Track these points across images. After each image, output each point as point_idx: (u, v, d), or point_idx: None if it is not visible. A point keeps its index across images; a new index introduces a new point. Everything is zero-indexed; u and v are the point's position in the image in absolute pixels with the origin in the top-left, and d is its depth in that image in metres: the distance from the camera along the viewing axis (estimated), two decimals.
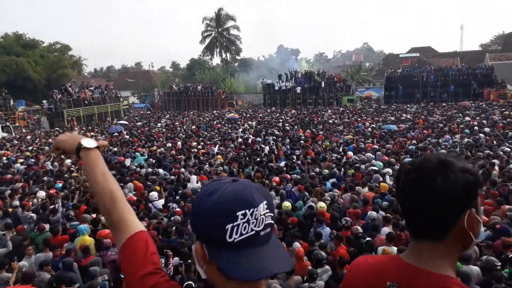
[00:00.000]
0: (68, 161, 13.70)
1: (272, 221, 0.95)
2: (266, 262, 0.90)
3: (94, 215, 7.65)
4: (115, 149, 15.82)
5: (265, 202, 0.93)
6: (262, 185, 0.95)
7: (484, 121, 18.14)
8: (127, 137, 20.04)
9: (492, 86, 31.25)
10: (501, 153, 11.44)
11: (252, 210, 0.89)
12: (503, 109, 22.00)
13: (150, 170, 11.81)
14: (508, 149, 11.81)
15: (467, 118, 19.32)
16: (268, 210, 0.93)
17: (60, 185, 10.49)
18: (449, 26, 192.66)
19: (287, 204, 7.72)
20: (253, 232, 0.89)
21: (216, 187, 0.93)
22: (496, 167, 9.89)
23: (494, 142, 13.61)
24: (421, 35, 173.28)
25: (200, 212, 0.92)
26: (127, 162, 13.51)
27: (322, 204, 7.63)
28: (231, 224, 0.87)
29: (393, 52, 70.88)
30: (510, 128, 16.01)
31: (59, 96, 29.63)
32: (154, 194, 8.72)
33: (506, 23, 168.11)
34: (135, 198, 8.97)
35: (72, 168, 12.74)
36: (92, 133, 22.61)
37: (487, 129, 15.87)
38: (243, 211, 0.88)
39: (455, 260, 1.14)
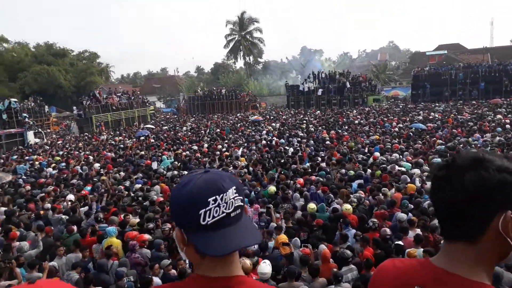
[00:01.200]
0: (96, 165, 14.08)
1: (242, 203, 1.08)
2: (234, 239, 1.03)
3: (122, 217, 7.81)
4: (142, 152, 16.15)
5: (234, 187, 1.07)
6: (231, 174, 1.17)
7: None
8: (153, 140, 20.43)
9: None
10: None
11: (222, 195, 1.03)
12: None
13: (175, 172, 11.95)
14: None
15: (499, 116, 18.60)
16: (237, 194, 1.07)
17: (89, 188, 10.80)
18: (478, 22, 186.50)
19: (312, 206, 7.63)
20: (224, 214, 1.03)
21: (189, 179, 1.07)
22: None
23: None
24: (449, 31, 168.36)
25: (176, 202, 1.05)
26: (154, 165, 13.76)
27: (347, 206, 7.50)
28: (204, 209, 1.00)
29: (419, 50, 69.34)
30: None
31: (88, 102, 30.55)
32: None
33: None
34: (162, 199, 9.10)
35: (101, 172, 13.07)
36: (120, 137, 23.17)
37: None
38: (214, 197, 1.02)
39: (491, 267, 1.05)
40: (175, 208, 1.07)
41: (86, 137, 24.75)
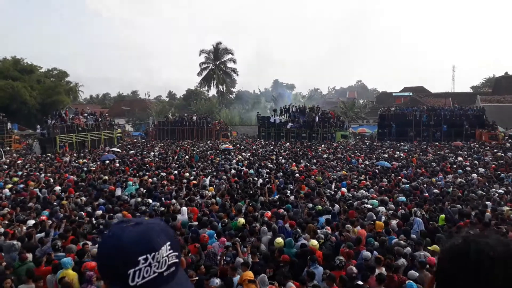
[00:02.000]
0: (57, 188, 13.44)
1: (177, 260, 1.01)
2: None
3: (81, 245, 7.39)
4: (106, 177, 15.59)
5: (168, 243, 0.99)
6: (166, 225, 0.99)
7: (476, 162, 18.25)
8: (118, 165, 19.84)
9: (484, 128, 31.71)
10: (496, 194, 11.42)
11: (153, 254, 0.94)
12: (495, 150, 22.21)
13: (139, 200, 11.57)
14: (502, 191, 11.79)
15: (460, 158, 19.43)
16: (171, 251, 0.99)
17: (47, 212, 10.22)
18: (441, 67, 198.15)
19: (279, 240, 7.53)
20: (156, 274, 0.94)
21: (119, 231, 0.96)
22: (489, 209, 9.84)
23: (486, 183, 13.66)
24: (414, 75, 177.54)
25: (103, 256, 0.97)
26: (118, 191, 13.29)
27: (314, 242, 7.45)
28: (133, 269, 0.91)
29: (386, 91, 72.49)
30: (502, 169, 16.10)
31: (53, 122, 29.51)
32: None
33: (497, 66, 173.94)
34: None
35: (62, 196, 12.45)
36: (84, 160, 22.37)
37: (481, 169, 15.92)
38: (144, 256, 0.93)
39: None
40: (101, 262, 0.98)
41: (48, 158, 23.71)
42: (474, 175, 14.78)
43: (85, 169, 18.66)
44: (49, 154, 25.51)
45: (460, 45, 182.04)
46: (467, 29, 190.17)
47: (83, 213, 10.02)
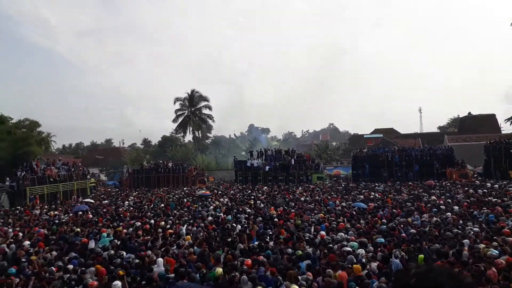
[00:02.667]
0: (26, 243, 12.79)
1: None
2: None
3: None
4: (78, 229, 14.99)
5: None
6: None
7: (450, 200, 18.69)
8: (91, 216, 19.18)
9: (453, 166, 32.84)
10: (472, 232, 11.64)
11: None
12: (466, 188, 22.89)
13: (112, 252, 11.13)
14: (477, 229, 12.03)
15: (433, 197, 19.87)
16: None
17: (14, 270, 9.64)
18: (409, 109, 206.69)
19: None
20: None
21: None
22: (466, 247, 10.00)
23: (461, 221, 13.96)
24: (384, 117, 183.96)
25: None
26: (91, 244, 12.77)
27: None
28: None
29: (357, 133, 74.62)
30: (474, 207, 16.52)
31: (23, 173, 28.55)
32: (117, 284, 8.02)
33: (461, 107, 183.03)
34: (96, 283, 8.31)
35: (31, 251, 11.83)
36: (55, 212, 21.53)
37: (455, 208, 16.27)
38: None
39: None
40: None
41: (17, 211, 22.69)
42: (449, 213, 15.08)
43: (57, 221, 17.92)
44: (18, 207, 24.43)
45: (425, 87, 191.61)
46: (432, 71, 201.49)
47: (54, 268, 9.52)
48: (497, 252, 9.31)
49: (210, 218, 16.72)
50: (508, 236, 10.83)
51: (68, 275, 9.06)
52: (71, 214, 20.31)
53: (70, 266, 9.79)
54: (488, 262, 8.66)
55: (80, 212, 20.12)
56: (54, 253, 11.66)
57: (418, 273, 1.12)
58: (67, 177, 32.42)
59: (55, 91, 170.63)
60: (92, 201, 26.76)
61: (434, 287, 1.06)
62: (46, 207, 24.83)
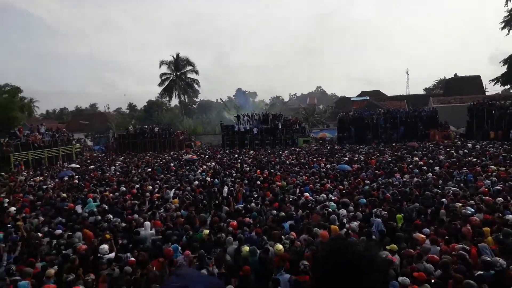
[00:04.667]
0: (12, 209, 12.79)
1: None
2: None
3: (39, 268, 7.10)
4: (64, 194, 15.01)
5: None
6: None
7: (431, 161, 19.13)
8: (77, 181, 19.17)
9: (437, 128, 33.38)
10: (450, 191, 12.02)
11: None
12: (448, 149, 23.39)
13: (99, 218, 11.24)
14: (455, 189, 12.41)
15: (416, 158, 20.29)
16: None
17: (1, 235, 9.72)
18: (396, 71, 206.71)
19: (246, 248, 7.61)
20: None
21: None
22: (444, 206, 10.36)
23: (441, 181, 14.38)
24: (371, 79, 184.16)
25: None
26: (78, 208, 12.84)
27: (279, 247, 7.56)
28: None
29: (345, 95, 74.67)
30: (455, 167, 16.98)
31: (6, 140, 28.09)
32: (104, 248, 8.16)
33: (447, 68, 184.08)
34: (85, 246, 8.45)
35: (17, 217, 11.87)
36: (40, 178, 21.44)
37: (436, 168, 16.69)
38: None
39: None
40: None
41: (1, 178, 22.51)
42: (430, 174, 15.50)
43: (44, 187, 17.87)
44: (3, 174, 24.22)
45: (413, 48, 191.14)
46: (419, 32, 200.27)
47: (40, 234, 9.61)
48: (473, 210, 9.70)
49: (197, 182, 16.88)
50: (485, 195, 11.24)
51: (55, 240, 9.16)
52: (56, 180, 20.25)
53: (58, 231, 9.90)
54: (463, 220, 9.04)
55: (66, 178, 20.07)
56: (41, 218, 11.73)
57: (333, 247, 1.24)
58: (51, 143, 32.06)
59: (37, 56, 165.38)
60: (78, 166, 26.66)
61: (347, 260, 1.17)
62: (31, 173, 24.67)
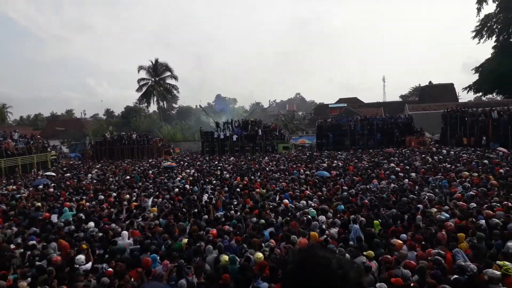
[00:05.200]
0: None
1: None
2: None
3: (11, 280, 6.87)
4: (39, 204, 14.58)
5: None
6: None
7: (407, 167, 19.55)
8: (53, 190, 18.67)
9: (412, 134, 34.21)
10: (426, 197, 12.30)
11: None
12: (423, 155, 23.97)
13: (75, 226, 10.98)
14: (432, 194, 12.71)
15: (392, 164, 20.70)
16: None
17: None
18: (372, 78, 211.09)
19: (225, 257, 7.56)
20: None
21: None
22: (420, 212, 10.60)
23: (417, 187, 14.71)
24: (349, 87, 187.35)
25: None
26: (53, 218, 12.50)
27: (259, 255, 7.55)
28: None
29: (323, 102, 75.62)
30: (430, 173, 17.40)
31: None
32: (81, 258, 7.98)
33: (422, 76, 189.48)
34: (60, 258, 8.22)
35: None
36: (13, 187, 20.77)
37: (412, 174, 17.06)
38: None
39: None
40: None
41: None
42: (406, 180, 15.84)
43: (18, 196, 17.31)
44: None
45: (389, 56, 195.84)
46: (396, 40, 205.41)
47: (13, 246, 9.30)
48: (447, 215, 9.96)
49: (176, 190, 16.71)
50: (459, 200, 11.56)
51: (29, 251, 8.88)
52: (31, 189, 19.67)
53: (31, 242, 9.60)
54: (439, 225, 9.27)
55: (41, 186, 19.53)
56: (15, 228, 11.36)
57: (303, 261, 1.19)
58: (25, 150, 31.15)
59: (10, 60, 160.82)
60: (54, 174, 25.99)
61: (317, 278, 1.14)
62: (4, 181, 23.89)
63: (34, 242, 9.60)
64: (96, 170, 27.49)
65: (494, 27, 48.39)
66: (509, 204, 10.64)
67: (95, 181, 21.79)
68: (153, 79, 60.99)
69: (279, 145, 36.30)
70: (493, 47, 49.49)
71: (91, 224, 11.08)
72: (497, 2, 47.04)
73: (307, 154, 31.42)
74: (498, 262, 6.30)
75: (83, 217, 12.13)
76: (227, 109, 60.70)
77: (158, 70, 60.87)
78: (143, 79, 60.90)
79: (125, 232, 9.79)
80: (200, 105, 66.84)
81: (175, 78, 62.11)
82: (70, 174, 25.76)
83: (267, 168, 22.56)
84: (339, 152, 30.45)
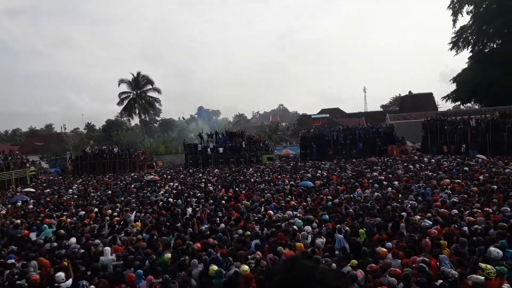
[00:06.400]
0: None
1: None
2: None
3: None
4: (18, 221, 14.14)
5: None
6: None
7: (390, 176, 19.79)
8: (32, 206, 18.17)
9: (394, 143, 34.78)
10: (409, 205, 12.45)
11: None
12: (405, 164, 24.34)
13: (57, 243, 10.68)
14: (415, 202, 12.88)
15: (375, 173, 20.93)
16: None
17: None
18: (354, 89, 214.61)
19: (214, 267, 7.50)
20: None
21: None
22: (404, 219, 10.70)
23: (400, 195, 14.89)
24: (331, 98, 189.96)
25: None
26: (32, 236, 12.13)
27: (245, 268, 7.47)
28: None
29: (306, 113, 76.36)
30: (412, 181, 17.66)
31: None
32: (61, 275, 7.74)
33: (402, 86, 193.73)
34: (38, 276, 7.96)
35: None
36: None
37: (396, 183, 17.27)
38: None
39: None
40: None
41: None
42: (389, 188, 16.02)
43: None
44: None
45: (369, 66, 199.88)
46: (376, 50, 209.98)
47: None
48: (430, 222, 10.08)
49: (160, 203, 16.47)
50: (441, 208, 11.74)
51: (8, 270, 8.58)
52: (9, 206, 19.11)
53: (10, 261, 9.28)
54: (422, 232, 9.37)
55: (19, 203, 19.00)
56: None
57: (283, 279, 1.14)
58: (3, 166, 30.33)
59: None
60: (33, 190, 25.33)
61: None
62: None
63: (13, 260, 9.29)
64: (77, 185, 26.88)
65: (470, 38, 49.95)
66: (490, 210, 10.87)
67: (76, 196, 21.32)
68: (134, 92, 60.55)
69: (263, 156, 36.35)
70: (469, 58, 51.08)
71: (73, 240, 10.84)
72: (471, 14, 48.67)
73: (291, 164, 31.52)
74: (480, 264, 6.38)
75: (65, 233, 11.81)
76: (210, 121, 60.63)
77: (139, 83, 60.52)
78: (124, 92, 60.45)
79: (107, 248, 9.56)
80: (183, 117, 66.54)
81: (158, 90, 61.90)
82: (50, 190, 25.14)
83: (252, 180, 22.49)
84: (323, 162, 30.65)
